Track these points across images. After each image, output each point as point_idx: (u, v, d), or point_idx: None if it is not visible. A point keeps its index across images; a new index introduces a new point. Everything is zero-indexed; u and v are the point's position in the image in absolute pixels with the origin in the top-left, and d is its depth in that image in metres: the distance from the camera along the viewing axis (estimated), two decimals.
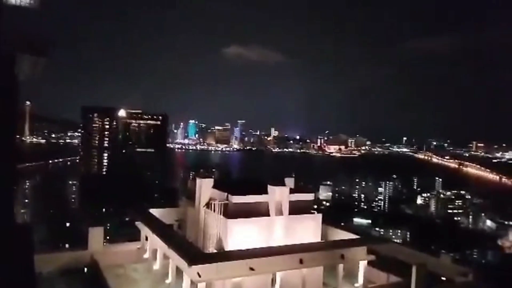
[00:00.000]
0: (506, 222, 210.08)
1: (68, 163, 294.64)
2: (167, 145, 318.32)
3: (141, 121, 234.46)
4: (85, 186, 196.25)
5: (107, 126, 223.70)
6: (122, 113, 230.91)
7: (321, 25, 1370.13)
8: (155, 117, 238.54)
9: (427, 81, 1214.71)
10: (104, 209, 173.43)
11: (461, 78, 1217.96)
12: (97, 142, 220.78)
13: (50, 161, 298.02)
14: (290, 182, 36.85)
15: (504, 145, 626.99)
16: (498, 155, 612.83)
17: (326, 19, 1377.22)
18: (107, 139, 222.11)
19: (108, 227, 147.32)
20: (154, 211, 38.26)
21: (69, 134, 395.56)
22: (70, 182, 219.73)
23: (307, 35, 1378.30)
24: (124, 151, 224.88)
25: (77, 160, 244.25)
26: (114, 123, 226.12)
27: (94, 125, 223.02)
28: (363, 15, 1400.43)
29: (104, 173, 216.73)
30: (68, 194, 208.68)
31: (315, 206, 35.78)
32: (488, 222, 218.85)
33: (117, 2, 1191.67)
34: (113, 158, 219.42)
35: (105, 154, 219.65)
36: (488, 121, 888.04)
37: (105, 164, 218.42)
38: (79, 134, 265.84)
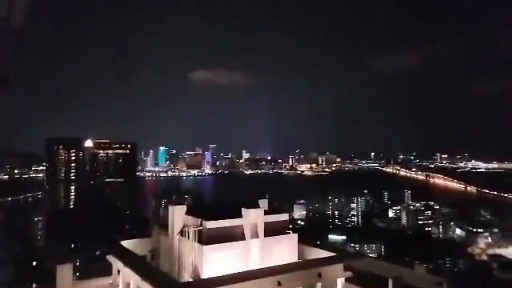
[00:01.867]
0: (474, 230, 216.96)
1: (33, 198, 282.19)
2: (137, 173, 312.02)
3: (109, 151, 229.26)
4: (52, 222, 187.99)
5: (73, 158, 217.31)
6: (88, 143, 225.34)
7: (285, 46, 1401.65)
8: (123, 145, 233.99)
9: (391, 96, 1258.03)
10: (72, 245, 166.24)
11: (422, 92, 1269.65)
12: (63, 175, 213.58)
13: (14, 198, 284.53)
14: (264, 203, 36.76)
15: (466, 155, 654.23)
16: (461, 165, 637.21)
17: (290, 39, 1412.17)
18: (73, 171, 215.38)
19: (77, 263, 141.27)
20: (125, 243, 37.01)
21: (33, 168, 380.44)
22: (36, 219, 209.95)
23: (272, 56, 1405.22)
24: (92, 182, 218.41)
25: (43, 195, 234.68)
26: (81, 154, 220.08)
27: (59, 157, 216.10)
28: (327, 33, 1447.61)
29: (72, 206, 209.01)
30: (34, 231, 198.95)
31: (291, 226, 35.75)
32: (458, 231, 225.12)
33: (81, 29, 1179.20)
34: (80, 191, 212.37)
35: (72, 187, 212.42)
36: (450, 132, 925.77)
37: (72, 197, 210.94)
38: (44, 167, 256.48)
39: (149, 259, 36.78)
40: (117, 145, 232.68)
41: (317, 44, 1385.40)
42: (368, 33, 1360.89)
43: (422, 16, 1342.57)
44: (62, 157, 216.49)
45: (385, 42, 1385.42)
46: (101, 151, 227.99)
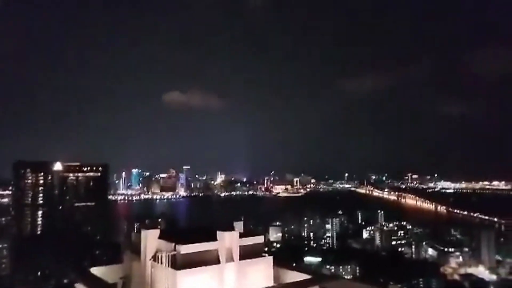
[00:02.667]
0: (445, 249, 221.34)
1: None
2: (109, 196, 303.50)
3: (79, 174, 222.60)
4: (17, 249, 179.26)
5: (42, 182, 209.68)
6: (58, 166, 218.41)
7: (259, 69, 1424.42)
8: (94, 168, 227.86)
9: (363, 118, 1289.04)
10: (39, 272, 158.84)
11: (392, 114, 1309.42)
12: (30, 199, 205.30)
13: None
14: (239, 226, 36.39)
15: (435, 175, 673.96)
16: (431, 185, 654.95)
17: (264, 61, 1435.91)
18: (41, 195, 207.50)
19: None
20: (95, 270, 35.61)
21: None
22: (0, 245, 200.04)
23: (245, 78, 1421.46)
24: (60, 207, 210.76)
25: (8, 221, 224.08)
26: (49, 177, 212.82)
27: (26, 181, 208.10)
28: (301, 56, 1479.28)
29: (39, 232, 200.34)
30: None
31: (266, 249, 35.56)
32: (430, 250, 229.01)
33: (53, 49, 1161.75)
34: (48, 216, 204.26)
35: (40, 212, 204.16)
36: (420, 153, 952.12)
37: (40, 222, 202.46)
38: (10, 192, 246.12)
39: (120, 286, 35.46)
40: (88, 168, 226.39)
41: (291, 66, 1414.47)
42: (340, 57, 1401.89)
43: (392, 40, 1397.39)
44: (30, 181, 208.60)
45: (357, 66, 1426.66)
46: (71, 174, 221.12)
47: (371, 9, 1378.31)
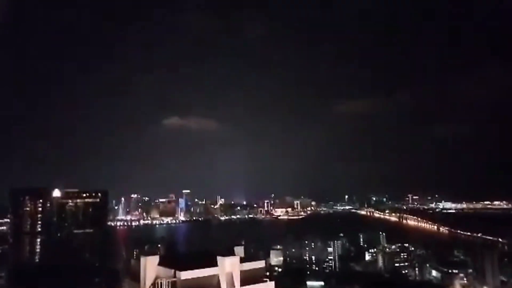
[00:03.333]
0: (449, 271, 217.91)
1: None
2: (108, 222, 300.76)
3: (78, 200, 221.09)
4: (15, 277, 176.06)
5: (40, 209, 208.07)
6: (56, 193, 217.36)
7: (258, 93, 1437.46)
8: (93, 194, 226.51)
9: (363, 140, 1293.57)
10: None
11: (392, 136, 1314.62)
12: (28, 227, 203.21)
13: None
14: (240, 250, 36.09)
15: (436, 196, 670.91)
16: (432, 205, 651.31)
17: (262, 86, 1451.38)
18: (40, 222, 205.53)
19: None
20: None
21: None
22: None
23: (244, 103, 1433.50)
24: (59, 234, 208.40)
25: (6, 249, 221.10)
26: (48, 205, 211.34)
27: (25, 208, 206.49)
28: (298, 79, 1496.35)
29: (37, 260, 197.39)
30: None
31: (267, 273, 35.04)
32: (433, 272, 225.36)
33: (49, 74, 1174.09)
34: (47, 243, 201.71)
35: (38, 240, 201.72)
36: (420, 174, 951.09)
37: (38, 250, 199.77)
38: (8, 219, 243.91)
39: None
40: (87, 194, 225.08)
41: (290, 91, 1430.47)
42: (338, 81, 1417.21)
43: (390, 63, 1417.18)
44: (28, 208, 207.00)
45: (356, 89, 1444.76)
46: (70, 201, 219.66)
47: (369, 33, 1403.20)
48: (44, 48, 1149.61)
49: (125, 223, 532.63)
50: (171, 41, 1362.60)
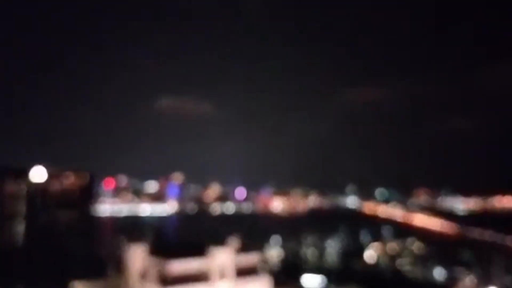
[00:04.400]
0: (455, 269, 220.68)
1: None
2: (95, 205, 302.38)
3: (64, 181, 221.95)
4: None
5: (22, 189, 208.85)
6: (40, 173, 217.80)
7: (258, 77, 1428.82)
8: (80, 176, 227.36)
9: (369, 131, 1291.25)
10: (17, 287, 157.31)
11: (400, 128, 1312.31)
12: (9, 208, 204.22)
13: None
14: (234, 241, 36.30)
15: (445, 192, 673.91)
16: (440, 201, 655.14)
17: (262, 70, 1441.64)
18: (22, 204, 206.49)
19: None
20: (79, 285, 35.42)
21: None
22: None
23: (242, 86, 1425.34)
24: (42, 217, 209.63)
25: None
26: (30, 185, 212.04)
27: (6, 189, 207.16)
28: (301, 65, 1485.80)
29: (19, 244, 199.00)
30: None
31: (262, 266, 35.37)
32: (438, 270, 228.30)
33: (41, 51, 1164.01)
34: (29, 227, 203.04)
35: (19, 222, 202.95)
36: (429, 168, 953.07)
37: (20, 234, 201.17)
38: None
39: None
40: (73, 175, 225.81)
41: (291, 76, 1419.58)
42: (342, 67, 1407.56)
43: (397, 52, 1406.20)
44: (10, 189, 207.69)
45: (361, 77, 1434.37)
46: (54, 181, 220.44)
47: (375, 20, 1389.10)
48: (33, 21, 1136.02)
49: (113, 208, 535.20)
50: (165, 18, 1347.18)
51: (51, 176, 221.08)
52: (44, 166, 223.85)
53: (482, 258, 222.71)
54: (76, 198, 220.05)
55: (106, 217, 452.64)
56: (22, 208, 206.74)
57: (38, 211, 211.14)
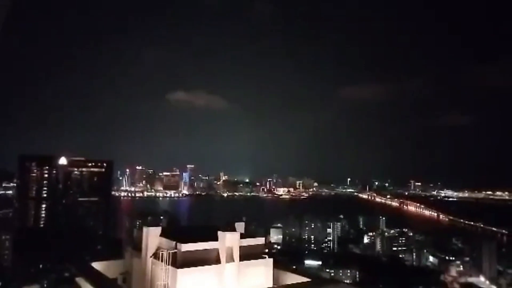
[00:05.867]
0: (446, 257, 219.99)
1: (2, 216, 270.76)
2: (112, 193, 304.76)
3: (84, 169, 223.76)
4: (19, 241, 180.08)
5: (46, 176, 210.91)
6: (62, 161, 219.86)
7: (264, 73, 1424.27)
8: (99, 164, 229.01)
9: (367, 125, 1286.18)
10: (41, 265, 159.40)
11: (396, 122, 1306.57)
12: (34, 192, 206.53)
13: None
14: (240, 226, 36.35)
15: (439, 183, 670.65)
16: (434, 193, 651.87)
17: (268, 66, 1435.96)
18: (45, 189, 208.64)
19: (45, 285, 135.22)
20: (96, 265, 35.69)
21: (3, 185, 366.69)
22: (3, 237, 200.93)
23: (249, 81, 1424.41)
24: (64, 201, 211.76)
25: (12, 213, 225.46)
26: (54, 172, 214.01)
27: (31, 174, 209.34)
28: (305, 62, 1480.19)
29: (42, 225, 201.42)
30: (0, 251, 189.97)
31: (267, 250, 35.31)
32: (431, 258, 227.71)
33: (57, 44, 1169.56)
34: (51, 209, 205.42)
35: (43, 205, 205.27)
36: (423, 161, 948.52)
37: (43, 216, 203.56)
38: (15, 184, 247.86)
39: (121, 281, 35.52)
40: (93, 163, 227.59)
41: (296, 71, 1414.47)
42: (345, 64, 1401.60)
43: (397, 50, 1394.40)
44: (34, 174, 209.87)
45: (362, 73, 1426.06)
46: (76, 169, 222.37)
47: (376, 18, 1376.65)
48: (53, 16, 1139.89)
49: (129, 194, 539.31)
50: (176, 15, 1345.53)
51: (73, 164, 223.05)
52: (67, 154, 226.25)
53: (473, 247, 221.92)
54: (96, 184, 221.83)
55: (124, 202, 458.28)
56: (46, 192, 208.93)
57: (60, 196, 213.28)
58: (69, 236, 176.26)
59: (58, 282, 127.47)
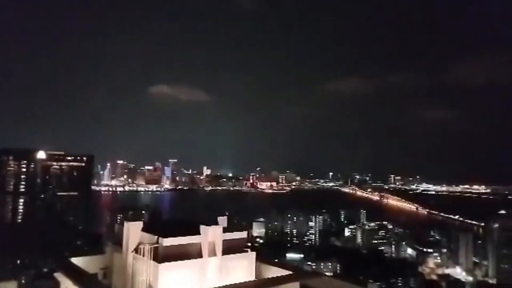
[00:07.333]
0: (424, 250, 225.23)
1: None
2: (93, 187, 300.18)
3: (63, 163, 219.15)
4: None
5: (24, 170, 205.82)
6: (41, 155, 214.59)
7: (246, 67, 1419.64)
8: (79, 158, 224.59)
9: (348, 120, 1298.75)
10: (18, 261, 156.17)
11: (377, 117, 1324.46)
12: (12, 187, 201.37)
13: None
14: (223, 220, 36.29)
15: (418, 177, 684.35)
16: (413, 187, 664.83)
17: (249, 61, 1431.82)
18: (23, 183, 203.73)
19: (23, 281, 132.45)
20: (76, 260, 35.08)
21: None
22: None
23: (233, 75, 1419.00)
24: (43, 196, 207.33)
25: None
26: (32, 166, 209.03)
27: (8, 168, 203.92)
28: (287, 56, 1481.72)
29: (20, 220, 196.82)
30: None
31: (249, 244, 35.38)
32: (409, 250, 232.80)
33: (38, 37, 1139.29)
34: (30, 204, 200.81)
35: (21, 200, 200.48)
36: (403, 156, 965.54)
37: (21, 210, 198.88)
38: None
39: (101, 277, 35.06)
40: (72, 158, 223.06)
41: (279, 66, 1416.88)
42: (328, 59, 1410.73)
43: (379, 46, 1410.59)
44: (12, 168, 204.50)
45: (345, 69, 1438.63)
46: (55, 163, 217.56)
47: (361, 14, 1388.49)
48: (32, 8, 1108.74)
49: (110, 189, 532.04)
50: (162, 8, 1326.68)
51: (52, 158, 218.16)
52: (46, 148, 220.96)
53: (450, 239, 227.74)
54: (75, 178, 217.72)
55: (104, 196, 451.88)
56: (24, 187, 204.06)
57: (39, 190, 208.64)
58: (48, 231, 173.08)
59: (37, 278, 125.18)
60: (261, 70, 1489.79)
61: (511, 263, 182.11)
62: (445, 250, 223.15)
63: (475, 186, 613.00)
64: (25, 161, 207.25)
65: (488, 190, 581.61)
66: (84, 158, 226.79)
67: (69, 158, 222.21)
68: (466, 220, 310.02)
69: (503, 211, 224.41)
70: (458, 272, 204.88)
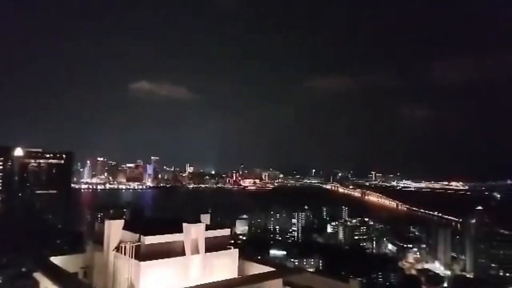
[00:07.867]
0: (404, 245, 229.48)
1: None
2: (72, 185, 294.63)
3: (42, 160, 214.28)
4: None
5: (1, 167, 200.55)
6: (18, 152, 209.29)
7: (228, 64, 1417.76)
8: (58, 155, 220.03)
9: (330, 117, 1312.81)
10: None
11: (358, 114, 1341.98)
12: None
13: None
14: (206, 218, 36.17)
15: (398, 174, 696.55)
16: (394, 183, 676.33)
17: (232, 57, 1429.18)
18: (0, 181, 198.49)
19: (1, 281, 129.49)
20: (55, 259, 34.44)
21: None
22: None
23: (214, 73, 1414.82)
24: (20, 194, 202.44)
25: None
26: (9, 163, 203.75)
27: None
28: (271, 54, 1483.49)
29: None
30: None
31: (232, 241, 35.39)
32: (390, 246, 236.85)
33: (17, 33, 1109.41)
34: (7, 203, 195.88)
35: None
36: (383, 153, 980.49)
37: None
38: None
39: (82, 276, 34.52)
40: (51, 155, 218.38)
41: (260, 63, 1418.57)
42: (309, 57, 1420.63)
43: (361, 43, 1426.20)
44: None
45: (326, 66, 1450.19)
46: (33, 161, 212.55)
47: (343, 13, 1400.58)
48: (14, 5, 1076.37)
49: (90, 187, 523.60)
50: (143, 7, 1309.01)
51: (30, 155, 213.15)
52: (23, 145, 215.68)
53: (429, 235, 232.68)
54: (54, 176, 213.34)
55: (85, 195, 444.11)
56: (0, 185, 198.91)
57: (17, 188, 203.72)
58: (26, 230, 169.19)
59: (15, 278, 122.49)
60: (243, 69, 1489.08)
61: (487, 258, 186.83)
62: (424, 246, 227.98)
63: (454, 183, 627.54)
64: (1, 158, 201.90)
65: (466, 187, 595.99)
66: (63, 155, 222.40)
67: (47, 155, 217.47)
68: (444, 216, 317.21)
69: (480, 207, 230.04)
70: (436, 267, 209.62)
